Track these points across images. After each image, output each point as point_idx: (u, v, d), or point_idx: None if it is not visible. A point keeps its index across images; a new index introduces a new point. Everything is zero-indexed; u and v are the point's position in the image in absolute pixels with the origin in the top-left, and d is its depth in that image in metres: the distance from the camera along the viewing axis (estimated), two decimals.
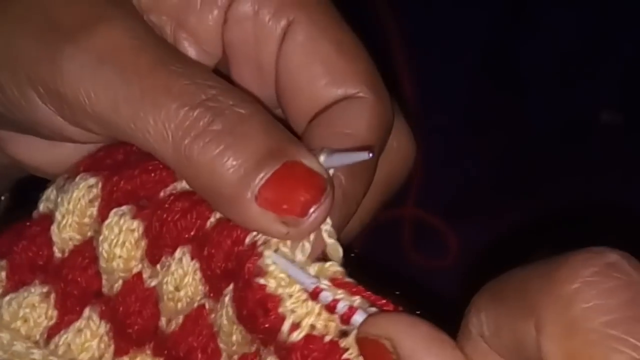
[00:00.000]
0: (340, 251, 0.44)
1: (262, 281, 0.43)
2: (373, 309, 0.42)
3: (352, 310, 0.42)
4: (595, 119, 0.92)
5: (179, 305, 0.46)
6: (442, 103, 0.91)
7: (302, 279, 0.43)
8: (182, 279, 0.46)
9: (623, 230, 0.57)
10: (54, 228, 0.48)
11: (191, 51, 0.49)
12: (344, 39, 0.48)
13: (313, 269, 0.44)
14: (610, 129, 0.92)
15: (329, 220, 0.44)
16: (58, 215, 0.48)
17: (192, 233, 0.46)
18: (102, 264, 0.47)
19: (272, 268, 0.43)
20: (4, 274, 0.49)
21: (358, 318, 0.42)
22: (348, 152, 0.45)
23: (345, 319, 0.42)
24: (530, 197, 0.88)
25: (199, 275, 0.45)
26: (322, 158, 0.44)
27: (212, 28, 0.49)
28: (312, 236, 0.44)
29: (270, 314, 0.43)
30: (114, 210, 0.47)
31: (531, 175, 0.90)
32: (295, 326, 0.43)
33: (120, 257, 0.46)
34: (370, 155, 0.44)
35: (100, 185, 0.47)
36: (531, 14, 0.93)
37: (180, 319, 0.46)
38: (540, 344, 0.36)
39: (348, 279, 0.43)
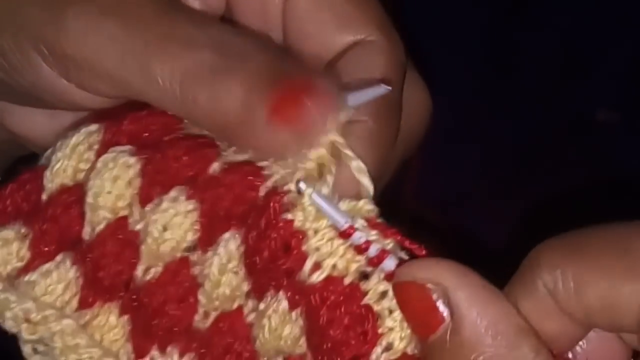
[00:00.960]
0: (371, 189, 0.43)
1: (289, 216, 0.41)
2: (403, 255, 0.41)
3: (384, 253, 0.41)
4: (592, 117, 0.92)
5: (162, 247, 0.44)
6: (442, 98, 0.91)
7: (336, 216, 0.41)
8: (172, 217, 0.43)
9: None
10: (46, 172, 0.46)
11: (194, 4, 0.48)
12: None
13: (345, 206, 0.42)
14: (607, 128, 0.92)
15: (358, 159, 0.43)
16: (54, 160, 0.46)
17: (191, 174, 0.44)
18: (89, 199, 0.44)
19: (303, 200, 0.41)
20: None
21: (389, 263, 0.41)
22: (366, 89, 0.44)
23: (377, 262, 0.41)
24: (528, 194, 0.88)
25: (191, 218, 0.43)
26: (348, 99, 0.43)
27: None
28: (333, 169, 0.42)
29: (292, 252, 0.41)
30: (113, 147, 0.45)
31: (529, 172, 0.90)
32: (317, 266, 0.41)
33: (109, 192, 0.44)
34: (388, 88, 0.43)
35: (102, 130, 0.46)
36: (531, 12, 0.93)
37: (160, 267, 0.44)
38: None
39: (381, 220, 0.42)
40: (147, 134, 0.45)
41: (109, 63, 0.44)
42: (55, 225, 0.45)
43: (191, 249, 0.44)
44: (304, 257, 0.41)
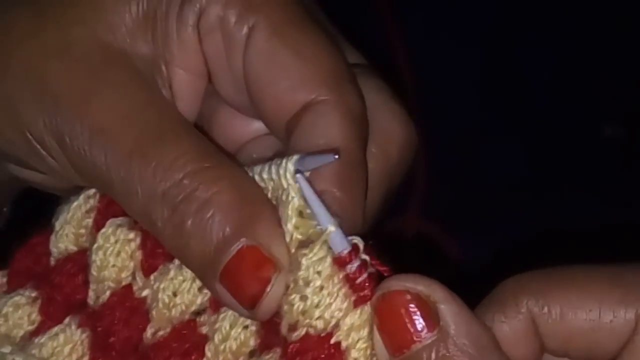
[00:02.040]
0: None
1: None
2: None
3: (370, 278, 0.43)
4: (597, 132, 0.92)
5: (173, 311, 0.46)
6: (445, 112, 0.91)
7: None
8: (180, 284, 0.46)
9: (626, 243, 0.57)
10: (52, 237, 0.49)
11: (182, 78, 0.49)
12: (302, 42, 0.48)
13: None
14: (613, 143, 0.92)
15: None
16: (57, 225, 0.49)
17: None
18: (94, 271, 0.47)
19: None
20: (5, 280, 0.50)
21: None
22: (317, 155, 0.45)
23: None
24: (532, 209, 0.88)
25: (199, 283, 0.46)
26: (290, 166, 0.45)
27: (191, 47, 0.49)
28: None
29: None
30: (111, 220, 0.47)
31: (533, 188, 0.90)
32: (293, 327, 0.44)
33: (114, 266, 0.47)
34: (336, 156, 0.44)
35: (97, 196, 0.48)
36: (535, 26, 0.93)
37: (169, 329, 0.47)
38: None
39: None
40: None
41: (89, 169, 0.46)
42: (62, 291, 0.48)
43: (201, 312, 0.47)
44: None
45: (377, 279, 0.43)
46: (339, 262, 0.43)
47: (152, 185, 0.44)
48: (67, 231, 0.48)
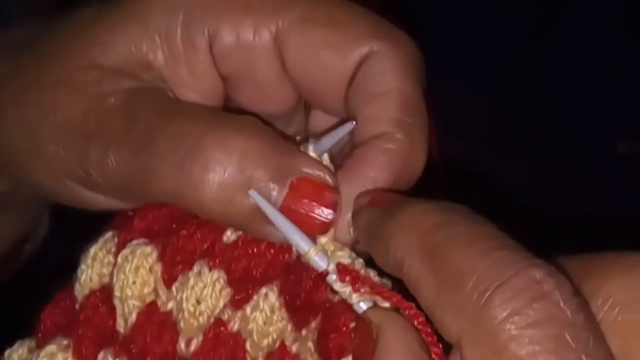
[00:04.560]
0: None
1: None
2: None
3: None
4: (613, 149, 0.92)
5: (200, 320, 0.47)
6: (461, 132, 0.91)
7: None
8: (202, 290, 0.47)
9: None
10: (76, 286, 0.50)
11: (195, 99, 0.50)
12: (331, 14, 0.48)
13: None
14: (628, 159, 0.92)
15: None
16: (79, 273, 0.50)
17: (206, 246, 0.47)
18: (117, 292, 0.48)
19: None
20: (34, 343, 0.50)
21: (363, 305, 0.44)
22: (334, 131, 0.46)
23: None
24: (547, 229, 0.88)
25: (219, 286, 0.47)
26: (311, 148, 0.46)
27: (204, 72, 0.49)
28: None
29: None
30: (129, 243, 0.48)
31: (549, 206, 0.90)
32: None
33: (134, 282, 0.48)
34: (353, 123, 0.45)
35: (116, 235, 0.49)
36: (550, 44, 0.94)
37: (201, 336, 0.47)
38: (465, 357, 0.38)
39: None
40: (156, 227, 0.49)
41: (122, 186, 0.48)
42: (90, 326, 0.49)
43: (221, 311, 0.47)
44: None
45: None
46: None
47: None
48: (90, 274, 0.49)
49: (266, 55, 0.48)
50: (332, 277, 0.44)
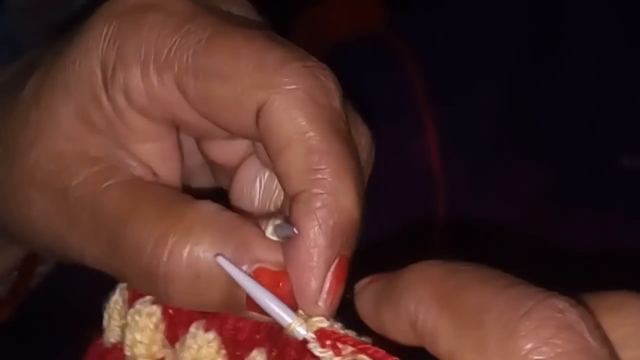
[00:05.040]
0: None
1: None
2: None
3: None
4: (616, 163, 0.92)
5: None
6: (465, 144, 0.91)
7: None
8: (197, 351, 0.47)
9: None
10: (102, 339, 0.50)
11: (150, 149, 0.50)
12: (222, 62, 0.45)
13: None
14: (632, 174, 0.92)
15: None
16: (104, 323, 0.50)
17: None
18: (127, 352, 0.49)
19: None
20: None
21: None
22: (287, 225, 0.45)
23: None
24: (550, 241, 0.88)
25: (214, 347, 0.47)
26: (269, 230, 0.46)
27: (140, 126, 0.48)
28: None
29: None
30: (137, 300, 0.49)
31: (551, 219, 0.90)
32: None
33: (141, 342, 0.48)
34: (295, 232, 0.44)
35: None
36: (553, 56, 0.94)
37: None
38: None
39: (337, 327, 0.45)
40: None
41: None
42: None
43: None
44: None
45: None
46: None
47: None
48: (112, 326, 0.50)
49: (176, 95, 0.47)
50: (313, 344, 0.44)
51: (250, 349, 0.47)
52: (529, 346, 0.36)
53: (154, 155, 0.49)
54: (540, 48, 0.94)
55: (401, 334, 0.41)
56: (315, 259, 0.43)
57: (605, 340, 0.37)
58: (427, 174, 0.88)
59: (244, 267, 0.44)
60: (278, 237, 0.45)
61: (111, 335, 0.50)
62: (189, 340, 0.47)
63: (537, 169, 0.92)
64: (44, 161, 0.48)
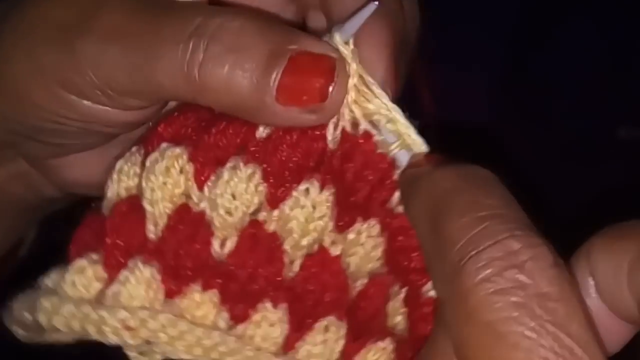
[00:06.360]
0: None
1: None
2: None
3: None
4: (613, 134, 0.92)
5: (235, 216, 0.45)
6: (461, 118, 0.91)
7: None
8: (236, 185, 0.45)
9: None
10: (104, 203, 0.48)
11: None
12: None
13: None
14: (628, 145, 0.92)
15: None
16: (107, 192, 0.48)
17: (239, 142, 0.46)
18: (147, 195, 0.46)
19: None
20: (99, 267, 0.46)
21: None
22: (356, 15, 0.46)
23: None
24: (548, 213, 0.88)
25: (254, 181, 0.46)
26: (337, 37, 0.46)
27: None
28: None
29: (385, 183, 0.46)
30: (157, 148, 0.47)
31: (549, 191, 0.90)
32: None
33: (164, 183, 0.46)
34: (376, 3, 0.46)
35: (141, 147, 0.48)
36: (550, 30, 0.94)
37: (235, 237, 0.46)
38: None
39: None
40: (184, 131, 0.47)
41: (122, 83, 0.46)
42: (119, 235, 0.46)
43: (256, 211, 0.46)
44: (394, 187, 0.46)
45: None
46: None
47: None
48: (117, 188, 0.47)
49: None
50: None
51: (300, 180, 0.46)
52: (472, 282, 0.38)
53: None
54: (539, 19, 0.94)
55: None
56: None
57: (557, 279, 0.38)
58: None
59: (288, 54, 0.45)
60: (347, 36, 0.46)
61: (114, 199, 0.47)
62: (227, 174, 0.45)
63: (532, 142, 0.92)
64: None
